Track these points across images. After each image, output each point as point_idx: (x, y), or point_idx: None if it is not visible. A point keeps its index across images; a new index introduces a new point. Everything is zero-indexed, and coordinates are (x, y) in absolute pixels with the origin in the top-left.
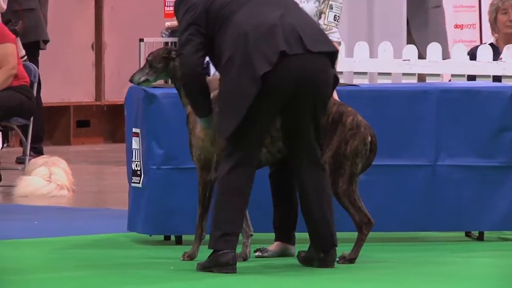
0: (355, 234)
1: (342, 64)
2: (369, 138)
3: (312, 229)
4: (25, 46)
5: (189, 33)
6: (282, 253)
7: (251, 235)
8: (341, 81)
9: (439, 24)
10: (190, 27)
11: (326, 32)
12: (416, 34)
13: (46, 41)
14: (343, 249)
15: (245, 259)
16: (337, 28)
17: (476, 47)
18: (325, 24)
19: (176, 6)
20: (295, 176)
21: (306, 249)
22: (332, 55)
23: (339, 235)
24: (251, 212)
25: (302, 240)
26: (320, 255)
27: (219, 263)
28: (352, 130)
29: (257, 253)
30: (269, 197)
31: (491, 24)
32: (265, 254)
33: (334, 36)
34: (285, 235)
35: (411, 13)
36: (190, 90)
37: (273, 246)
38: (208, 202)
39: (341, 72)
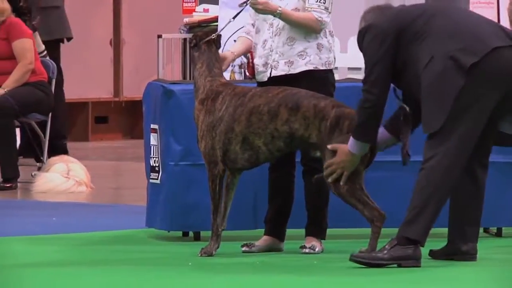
0: (369, 230)
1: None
2: None
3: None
4: (48, 43)
5: (379, 71)
6: (270, 249)
7: (223, 230)
8: (360, 77)
9: None
10: (379, 64)
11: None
12: None
13: (69, 39)
14: (360, 246)
15: (210, 255)
16: (323, 11)
17: None
18: (307, 7)
19: (361, 35)
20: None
21: (295, 246)
22: None
23: (353, 231)
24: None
25: (292, 236)
26: (463, 248)
27: (412, 256)
28: (348, 133)
29: (243, 248)
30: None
31: (510, 22)
32: (252, 249)
33: (315, 14)
34: (275, 230)
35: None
36: (367, 121)
37: (261, 241)
38: (218, 196)
39: (360, 68)
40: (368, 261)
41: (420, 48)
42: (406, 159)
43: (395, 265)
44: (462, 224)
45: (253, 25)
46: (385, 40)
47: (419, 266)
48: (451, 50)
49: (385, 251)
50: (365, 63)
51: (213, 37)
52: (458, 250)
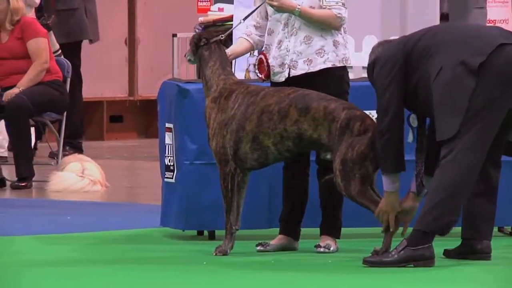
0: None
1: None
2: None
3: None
4: (67, 45)
5: (388, 97)
6: (285, 248)
7: (237, 229)
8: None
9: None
10: (388, 90)
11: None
12: None
13: (90, 41)
14: (374, 245)
15: (224, 254)
16: (341, 7)
17: None
18: (324, 5)
19: (370, 68)
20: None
21: (309, 245)
22: None
23: (367, 230)
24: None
25: (307, 235)
26: (477, 246)
27: (422, 257)
28: (359, 136)
29: (258, 247)
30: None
31: None
32: (267, 248)
33: (334, 10)
34: (290, 229)
35: (452, 12)
36: (388, 151)
37: (276, 240)
38: (231, 194)
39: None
40: (378, 266)
41: (429, 63)
42: (420, 188)
43: (411, 265)
44: (476, 223)
45: (255, 26)
46: (394, 66)
47: (432, 266)
48: (459, 56)
49: (394, 254)
50: (376, 93)
51: (221, 38)
52: (472, 249)
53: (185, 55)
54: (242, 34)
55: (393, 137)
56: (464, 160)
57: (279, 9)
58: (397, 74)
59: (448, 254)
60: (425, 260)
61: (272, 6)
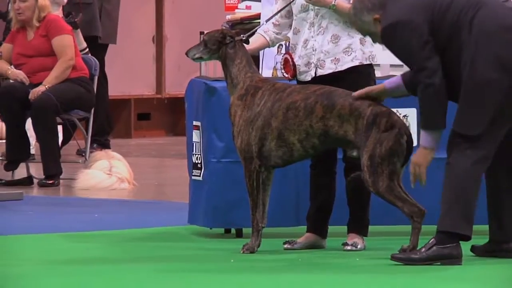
0: (409, 227)
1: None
2: (405, 138)
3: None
4: (85, 40)
5: (430, 52)
6: (312, 246)
7: (263, 227)
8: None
9: None
10: (427, 46)
11: None
12: None
13: (97, 37)
14: (402, 243)
15: (252, 252)
16: None
17: None
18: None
19: (389, 31)
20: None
21: (337, 243)
22: None
23: (394, 228)
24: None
25: (335, 233)
26: (504, 246)
27: (450, 255)
28: (386, 132)
29: (286, 245)
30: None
31: None
32: (295, 246)
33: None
34: (317, 227)
35: None
36: (434, 106)
37: (303, 238)
38: (256, 192)
39: (379, 65)
40: (405, 263)
41: (456, 43)
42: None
43: (438, 263)
44: (503, 222)
45: (273, 24)
46: (420, 29)
47: (459, 265)
48: (498, 45)
49: (423, 251)
50: (409, 54)
51: (243, 38)
52: (500, 248)
53: (187, 53)
54: (260, 30)
55: (438, 90)
56: (471, 157)
57: (316, 3)
58: (428, 39)
59: (475, 250)
60: (453, 259)
61: (308, 1)
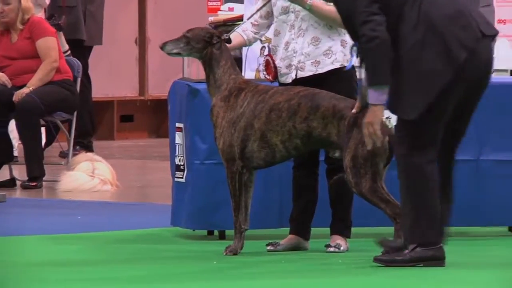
0: (392, 229)
1: None
2: (386, 138)
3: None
4: (70, 44)
5: (374, 9)
6: (295, 247)
7: (246, 229)
8: None
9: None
10: (373, 5)
11: None
12: None
13: (81, 41)
14: None
15: (235, 253)
16: None
17: None
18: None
19: None
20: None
21: (320, 244)
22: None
23: (377, 230)
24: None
25: (317, 235)
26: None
27: (434, 257)
28: None
29: (269, 247)
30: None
31: None
32: (277, 248)
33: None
34: (300, 228)
35: None
36: (380, 60)
37: (286, 240)
38: (239, 193)
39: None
40: (388, 264)
41: (404, 20)
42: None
43: (421, 265)
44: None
45: (252, 24)
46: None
47: (442, 266)
48: (447, 36)
49: (406, 253)
50: (354, 8)
51: (226, 37)
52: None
53: (162, 46)
54: (238, 29)
55: (382, 43)
56: (419, 161)
57: (293, 1)
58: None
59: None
60: (436, 261)
61: None
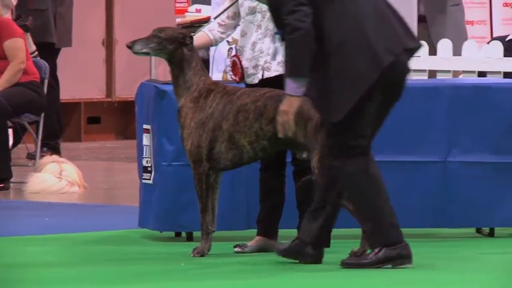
0: (359, 230)
1: None
2: None
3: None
4: (38, 46)
5: (298, 1)
6: (263, 249)
7: (213, 230)
8: None
9: (459, 22)
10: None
11: None
12: (433, 32)
13: (52, 44)
14: (352, 246)
15: (202, 255)
16: None
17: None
18: None
19: None
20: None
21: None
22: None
23: (344, 231)
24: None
25: (285, 237)
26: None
27: (400, 255)
28: None
29: (236, 249)
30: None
31: None
32: (245, 250)
33: None
34: (268, 230)
35: (429, 11)
36: (301, 53)
37: (253, 242)
38: (206, 195)
39: None
40: (356, 268)
41: (331, 17)
42: None
43: (389, 265)
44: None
45: (219, 24)
46: None
47: (410, 265)
48: (372, 39)
49: (372, 255)
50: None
51: (192, 35)
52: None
53: (131, 44)
54: (205, 29)
55: (305, 35)
56: (357, 165)
57: (260, 0)
58: None
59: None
60: (403, 259)
61: None
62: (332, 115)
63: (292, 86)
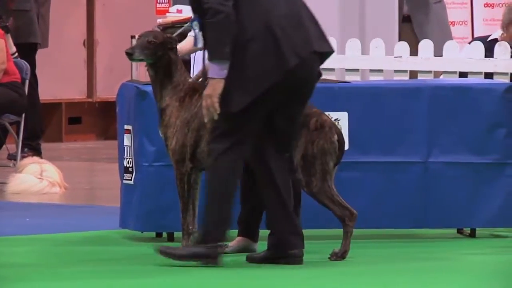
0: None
1: (334, 61)
2: (335, 137)
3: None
4: (18, 46)
5: None
6: (244, 249)
7: (194, 230)
8: (333, 78)
9: (443, 18)
10: None
11: None
12: (418, 31)
13: (36, 44)
14: (333, 246)
15: None
16: None
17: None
18: None
19: None
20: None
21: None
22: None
23: (327, 232)
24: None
25: (266, 237)
26: (290, 252)
27: (205, 255)
28: (316, 131)
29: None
30: None
31: (503, 23)
32: (226, 250)
33: None
34: (249, 230)
35: (412, 10)
36: (223, 35)
37: (234, 242)
38: (188, 195)
39: (333, 69)
40: (164, 255)
41: (245, 11)
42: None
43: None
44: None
45: None
46: None
47: (217, 264)
48: (282, 39)
49: (184, 248)
50: None
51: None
52: (283, 254)
53: (131, 51)
54: (191, 33)
55: (227, 19)
56: (226, 160)
57: None
58: None
59: (251, 259)
60: (208, 259)
61: None
62: (231, 104)
63: (214, 69)
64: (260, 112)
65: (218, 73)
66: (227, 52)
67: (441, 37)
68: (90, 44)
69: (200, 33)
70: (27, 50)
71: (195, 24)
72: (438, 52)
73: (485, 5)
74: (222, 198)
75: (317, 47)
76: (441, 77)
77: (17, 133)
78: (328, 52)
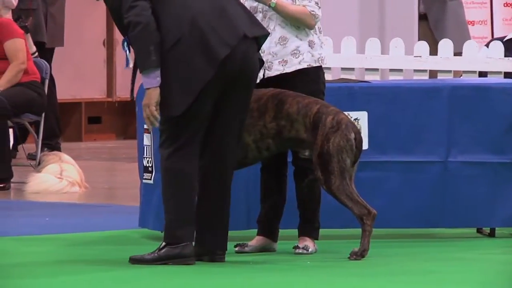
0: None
1: (354, 61)
2: (352, 135)
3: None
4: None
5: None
6: (263, 249)
7: None
8: (353, 77)
9: (459, 15)
10: None
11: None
12: (435, 28)
13: (42, 43)
14: (353, 246)
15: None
16: (315, 6)
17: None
18: (297, 3)
19: None
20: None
21: (288, 246)
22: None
23: (346, 232)
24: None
25: (285, 237)
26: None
27: (180, 255)
28: (332, 128)
29: (237, 248)
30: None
31: None
32: (245, 249)
33: (308, 8)
34: (268, 229)
35: (428, 7)
36: (146, 44)
37: (254, 241)
38: None
39: (353, 69)
40: (138, 263)
41: (167, 14)
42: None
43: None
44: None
45: None
46: None
47: (192, 264)
48: (208, 33)
49: (155, 252)
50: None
51: None
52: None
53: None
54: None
55: (146, 28)
56: (175, 164)
57: (258, 0)
58: None
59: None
60: (184, 258)
61: None
62: (172, 109)
63: (146, 80)
64: (203, 109)
65: (152, 82)
66: (153, 60)
67: (458, 34)
68: (109, 43)
69: (130, 53)
70: (42, 52)
71: (126, 44)
72: (456, 49)
73: (505, 5)
74: (178, 200)
75: (248, 32)
76: (461, 77)
77: (37, 133)
78: (262, 35)
